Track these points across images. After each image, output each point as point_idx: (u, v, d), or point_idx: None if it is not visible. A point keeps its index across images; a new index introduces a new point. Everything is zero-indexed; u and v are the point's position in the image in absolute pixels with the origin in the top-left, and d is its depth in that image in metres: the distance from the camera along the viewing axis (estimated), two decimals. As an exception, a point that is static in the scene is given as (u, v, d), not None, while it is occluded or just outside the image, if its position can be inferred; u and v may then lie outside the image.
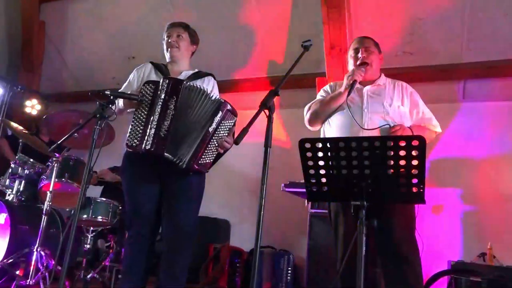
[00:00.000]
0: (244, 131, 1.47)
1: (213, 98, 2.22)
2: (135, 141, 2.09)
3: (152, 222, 2.25)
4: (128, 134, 2.13)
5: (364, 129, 2.14)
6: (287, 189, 3.15)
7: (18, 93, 4.71)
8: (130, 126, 2.15)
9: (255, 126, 4.84)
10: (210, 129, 2.16)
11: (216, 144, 2.21)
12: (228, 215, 4.53)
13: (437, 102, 3.70)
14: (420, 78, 3.67)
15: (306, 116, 2.38)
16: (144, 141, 2.08)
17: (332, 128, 2.26)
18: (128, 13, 4.44)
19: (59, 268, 2.79)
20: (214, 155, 2.24)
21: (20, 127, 3.54)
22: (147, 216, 2.23)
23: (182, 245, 2.20)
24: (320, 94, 2.45)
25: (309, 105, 2.41)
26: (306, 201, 3.10)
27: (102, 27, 4.78)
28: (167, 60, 2.46)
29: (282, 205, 4.07)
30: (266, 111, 1.62)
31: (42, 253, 2.72)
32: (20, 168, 3.24)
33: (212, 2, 4.15)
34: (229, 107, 2.24)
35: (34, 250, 2.70)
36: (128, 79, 2.42)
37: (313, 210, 3.05)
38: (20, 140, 3.58)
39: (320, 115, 2.31)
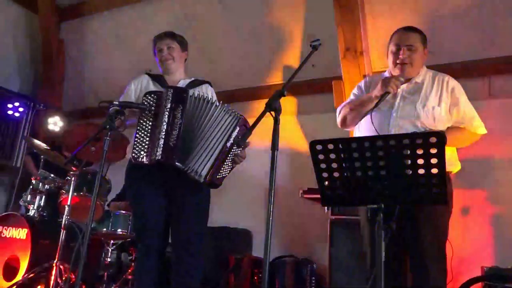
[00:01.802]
0: (247, 133, 1.42)
1: (229, 111, 2.20)
2: (142, 153, 2.07)
3: (161, 234, 2.23)
4: (133, 146, 2.10)
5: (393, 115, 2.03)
6: (305, 196, 3.07)
7: (41, 110, 4.87)
8: (135, 138, 2.12)
9: (280, 132, 4.79)
10: (228, 144, 2.14)
11: (232, 159, 2.20)
12: (249, 224, 4.46)
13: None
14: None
15: (338, 119, 2.31)
16: (154, 152, 2.05)
17: (361, 133, 2.18)
18: (145, 29, 4.50)
19: (80, 282, 2.80)
20: (230, 169, 2.22)
21: (42, 144, 3.60)
22: (156, 229, 2.21)
23: (193, 257, 2.16)
24: (353, 93, 2.34)
25: (340, 106, 2.31)
26: (325, 208, 3.01)
27: (120, 43, 4.87)
28: (161, 71, 2.45)
29: (303, 212, 3.98)
30: (272, 113, 1.55)
31: (61, 267, 2.72)
32: (40, 184, 3.30)
33: (225, 13, 4.16)
34: (246, 123, 2.23)
35: (54, 264, 2.71)
36: (125, 91, 2.40)
37: (333, 217, 2.95)
38: (42, 156, 3.65)
39: (350, 120, 2.22)
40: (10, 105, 4.63)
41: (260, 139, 4.22)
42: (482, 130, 2.17)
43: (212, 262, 3.93)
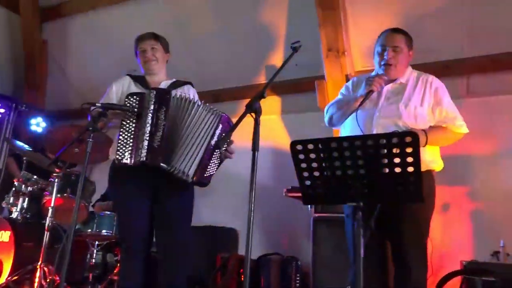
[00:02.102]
0: (227, 134, 1.44)
1: (211, 110, 2.21)
2: (126, 154, 2.07)
3: (145, 236, 2.23)
4: (117, 148, 2.10)
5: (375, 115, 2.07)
6: (289, 194, 3.11)
7: (23, 111, 4.81)
8: (118, 140, 2.12)
9: (262, 132, 4.81)
10: (213, 142, 2.15)
11: (219, 156, 2.21)
12: (235, 224, 4.49)
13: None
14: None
15: (325, 118, 2.35)
16: (138, 154, 2.06)
17: (346, 131, 2.22)
18: (127, 26, 4.48)
19: (65, 284, 2.79)
20: (217, 167, 2.23)
21: (24, 145, 3.56)
22: (139, 231, 2.22)
23: (179, 257, 2.18)
24: (341, 92, 2.39)
25: (328, 106, 2.36)
26: (309, 206, 3.06)
27: (102, 42, 4.83)
28: (142, 72, 2.46)
29: (288, 210, 4.02)
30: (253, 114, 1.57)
31: (46, 269, 2.71)
32: (23, 186, 3.28)
33: (211, 14, 4.17)
34: (229, 120, 2.23)
35: (38, 266, 2.71)
36: (107, 93, 2.40)
37: (316, 215, 3.00)
38: (24, 158, 3.62)
39: (336, 119, 2.27)
40: (-9, 106, 4.58)
41: (247, 139, 4.27)
42: (464, 129, 2.20)
43: (200, 261, 3.95)
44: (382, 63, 2.19)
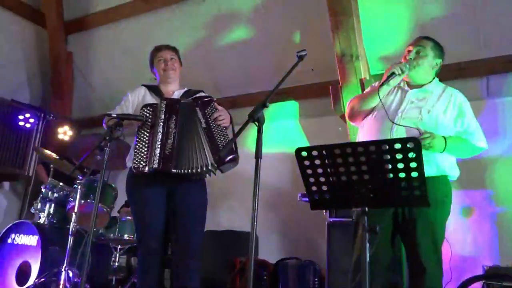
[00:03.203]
0: (229, 143, 1.50)
1: (185, 103, 2.34)
2: (142, 162, 2.18)
3: (162, 237, 2.31)
4: (133, 157, 2.22)
5: (395, 124, 2.07)
6: (303, 199, 3.14)
7: (51, 121, 5.03)
8: (134, 149, 2.24)
9: (279, 137, 4.85)
10: (204, 125, 2.28)
11: (218, 128, 2.31)
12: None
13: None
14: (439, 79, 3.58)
15: (347, 111, 2.37)
16: (152, 161, 2.16)
17: (364, 130, 2.24)
18: (146, 36, 4.62)
19: (87, 286, 2.92)
20: (225, 136, 2.30)
21: (51, 153, 3.72)
22: (156, 233, 2.30)
23: (191, 258, 2.25)
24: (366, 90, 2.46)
25: (350, 99, 2.39)
26: (323, 211, 3.08)
27: (124, 52, 4.99)
28: (157, 81, 2.55)
29: (306, 215, 4.03)
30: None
31: (70, 272, 2.84)
32: (50, 192, 3.43)
33: (221, 20, 4.26)
34: (199, 99, 2.37)
35: (63, 269, 2.83)
36: (122, 102, 2.52)
37: (331, 219, 3.01)
38: (51, 166, 3.79)
39: (358, 110, 2.27)
40: (21, 117, 4.80)
41: (269, 145, 4.33)
42: (483, 144, 2.20)
43: (218, 265, 4.01)
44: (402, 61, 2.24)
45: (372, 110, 2.22)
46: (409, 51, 2.25)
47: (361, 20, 3.41)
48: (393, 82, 2.15)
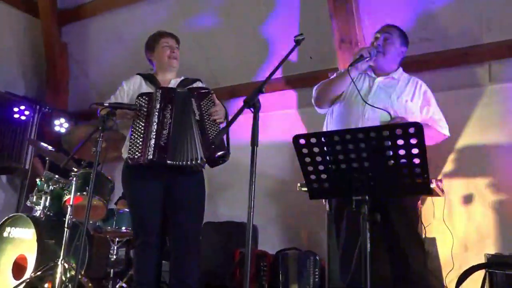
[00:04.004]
0: (222, 132, 1.45)
1: (180, 92, 2.29)
2: (137, 153, 2.12)
3: (159, 230, 2.27)
4: (128, 148, 2.16)
5: (367, 103, 2.10)
6: (303, 189, 3.08)
7: (47, 113, 4.96)
8: (130, 139, 2.19)
9: (279, 127, 4.80)
10: (197, 117, 2.21)
11: (212, 122, 2.24)
12: (254, 219, 4.48)
13: (460, 87, 3.55)
14: (440, 64, 3.52)
15: (313, 95, 2.37)
16: (146, 152, 2.10)
17: (333, 119, 2.24)
18: (141, 25, 4.54)
19: (84, 279, 2.88)
20: (218, 130, 2.23)
21: (46, 145, 3.67)
22: (153, 226, 2.26)
23: (189, 253, 2.21)
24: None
25: (317, 85, 2.40)
26: (323, 200, 3.03)
27: (121, 41, 4.90)
28: (154, 69, 2.48)
29: (306, 205, 3.99)
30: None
31: (66, 265, 2.80)
32: (45, 185, 3.38)
33: (223, 10, 4.17)
34: (196, 90, 2.31)
35: (59, 262, 2.79)
36: (117, 92, 2.46)
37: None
38: (47, 158, 3.74)
39: (326, 93, 2.29)
40: (16, 109, 4.73)
41: (262, 134, 4.28)
42: (446, 132, 2.31)
43: (218, 256, 3.99)
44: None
45: (340, 96, 2.26)
46: (377, 38, 2.31)
47: (360, 5, 3.34)
48: (361, 65, 2.19)
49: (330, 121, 2.27)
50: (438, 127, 2.27)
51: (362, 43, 3.35)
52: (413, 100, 2.22)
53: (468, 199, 3.42)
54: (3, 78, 4.93)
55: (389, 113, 2.10)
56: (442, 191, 3.08)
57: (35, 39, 5.14)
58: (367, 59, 2.17)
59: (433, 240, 3.29)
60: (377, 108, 2.10)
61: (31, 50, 5.19)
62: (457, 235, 3.28)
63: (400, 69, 2.35)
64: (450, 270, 3.10)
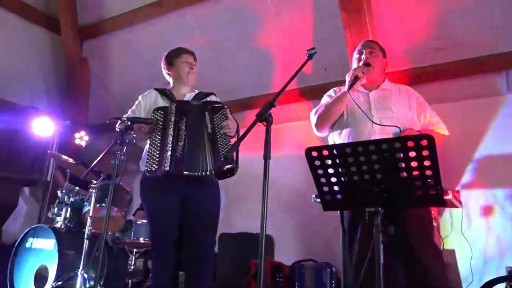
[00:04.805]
0: (234, 146, 1.48)
1: (194, 105, 2.34)
2: (154, 165, 2.18)
3: (175, 241, 2.30)
4: (146, 160, 2.22)
5: (375, 123, 2.11)
6: (318, 200, 3.08)
7: (68, 126, 5.10)
8: (147, 152, 2.25)
9: (295, 138, 4.81)
10: (209, 130, 2.26)
11: (223, 136, 2.29)
12: (270, 230, 4.50)
13: (476, 97, 3.51)
14: (455, 74, 3.50)
15: (313, 121, 2.37)
16: (163, 164, 2.15)
17: (342, 137, 2.25)
18: (160, 40, 4.64)
19: (103, 289, 2.93)
20: (228, 146, 2.28)
21: (67, 158, 3.77)
22: (169, 237, 2.30)
23: (203, 263, 2.24)
24: (324, 99, 2.46)
25: (315, 109, 2.40)
26: (338, 212, 3.02)
27: (139, 56, 5.02)
28: (170, 84, 2.55)
29: (322, 216, 3.97)
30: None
31: (86, 275, 2.86)
32: (66, 196, 3.47)
33: (236, 22, 4.25)
34: (210, 104, 2.36)
35: (78, 273, 2.86)
36: (134, 106, 2.54)
37: (346, 220, 2.97)
38: (68, 170, 3.85)
39: (327, 118, 2.30)
40: (39, 123, 4.88)
41: (278, 146, 4.30)
42: (446, 132, 2.30)
43: (234, 267, 4.00)
44: (361, 63, 2.32)
45: (340, 117, 2.27)
46: (361, 53, 2.35)
47: (374, 16, 3.35)
48: (356, 86, 2.22)
49: (339, 140, 2.27)
50: (439, 129, 2.28)
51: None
52: (411, 109, 2.24)
53: (487, 210, 3.36)
54: (27, 93, 5.12)
55: (397, 127, 2.11)
56: (460, 202, 3.04)
57: (57, 55, 5.32)
58: (361, 78, 2.22)
59: (451, 252, 3.25)
60: (386, 125, 2.11)
61: (53, 65, 5.37)
62: (477, 247, 3.23)
63: (387, 80, 2.38)
64: (470, 283, 3.05)
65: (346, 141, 2.21)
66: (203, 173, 2.18)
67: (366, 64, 2.28)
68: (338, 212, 3.11)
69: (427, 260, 1.96)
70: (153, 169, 2.19)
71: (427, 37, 3.37)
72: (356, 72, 2.21)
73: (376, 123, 2.11)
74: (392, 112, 2.17)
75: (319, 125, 2.33)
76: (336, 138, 2.29)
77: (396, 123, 2.13)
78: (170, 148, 2.17)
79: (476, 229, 3.33)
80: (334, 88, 2.46)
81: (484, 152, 3.50)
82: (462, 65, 3.41)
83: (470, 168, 3.51)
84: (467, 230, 3.25)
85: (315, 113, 2.36)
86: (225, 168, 2.14)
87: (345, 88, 2.26)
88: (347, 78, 2.25)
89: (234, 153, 2.14)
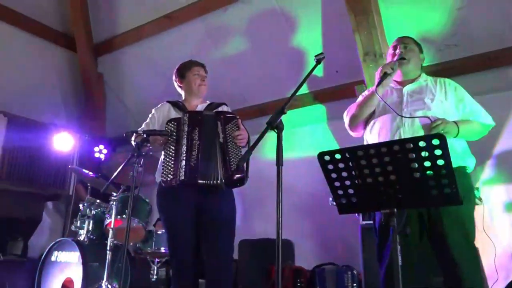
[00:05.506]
0: (246, 155, 1.50)
1: (210, 115, 2.37)
2: (169, 175, 2.22)
3: (193, 250, 2.33)
4: (161, 171, 2.27)
5: (404, 116, 2.07)
6: (334, 203, 3.09)
7: (87, 141, 5.23)
8: (162, 163, 2.30)
9: (309, 142, 4.80)
10: (221, 140, 2.29)
11: (234, 145, 2.32)
12: (289, 235, 4.50)
13: (492, 92, 3.45)
14: (470, 69, 3.46)
15: (346, 121, 2.35)
16: (178, 174, 2.20)
17: (373, 134, 2.20)
18: (172, 52, 4.73)
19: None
20: (239, 156, 2.32)
21: (88, 172, 3.86)
22: (187, 246, 2.33)
23: (221, 270, 2.26)
24: (358, 99, 2.40)
25: (347, 110, 2.38)
26: (357, 214, 3.02)
27: (153, 68, 5.12)
28: (183, 97, 2.60)
29: (341, 219, 3.96)
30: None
31: (109, 286, 2.91)
32: (88, 209, 3.55)
33: (250, 31, 4.30)
34: (223, 114, 2.38)
35: (103, 284, 2.92)
36: (148, 119, 2.60)
37: (364, 222, 2.95)
38: (88, 184, 3.93)
39: (359, 117, 2.26)
40: (59, 138, 5.02)
41: (295, 150, 4.31)
42: (491, 121, 2.19)
43: (255, 273, 4.01)
44: (395, 59, 2.25)
45: (372, 115, 2.23)
46: (395, 48, 2.30)
47: (383, 17, 3.35)
48: (386, 82, 2.17)
49: (370, 137, 2.23)
50: (482, 119, 2.15)
51: (385, 54, 3.35)
52: (447, 99, 2.15)
53: (510, 206, 3.30)
54: (47, 110, 5.27)
55: (427, 117, 2.04)
56: (480, 199, 2.99)
57: (73, 72, 5.47)
58: (390, 74, 2.16)
59: (475, 250, 3.19)
60: (415, 117, 2.06)
61: (70, 82, 5.52)
62: (500, 245, 3.16)
63: (424, 74, 2.30)
64: (495, 282, 2.99)
65: (376, 138, 2.16)
66: (216, 181, 2.21)
67: (401, 58, 2.22)
68: (356, 214, 3.12)
69: (463, 265, 1.91)
70: (168, 179, 2.23)
71: (441, 33, 3.34)
72: (385, 69, 2.16)
73: (404, 116, 2.07)
74: (424, 103, 2.11)
75: (351, 124, 2.30)
76: (368, 135, 2.25)
77: (428, 114, 2.07)
78: (184, 158, 2.22)
79: (499, 226, 3.27)
80: (369, 88, 2.43)
81: (504, 146, 3.45)
82: (476, 59, 3.37)
83: (490, 163, 3.45)
84: (490, 228, 3.18)
85: (347, 113, 2.34)
86: (235, 177, 2.16)
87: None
88: (376, 76, 2.21)
89: (245, 164, 2.16)
